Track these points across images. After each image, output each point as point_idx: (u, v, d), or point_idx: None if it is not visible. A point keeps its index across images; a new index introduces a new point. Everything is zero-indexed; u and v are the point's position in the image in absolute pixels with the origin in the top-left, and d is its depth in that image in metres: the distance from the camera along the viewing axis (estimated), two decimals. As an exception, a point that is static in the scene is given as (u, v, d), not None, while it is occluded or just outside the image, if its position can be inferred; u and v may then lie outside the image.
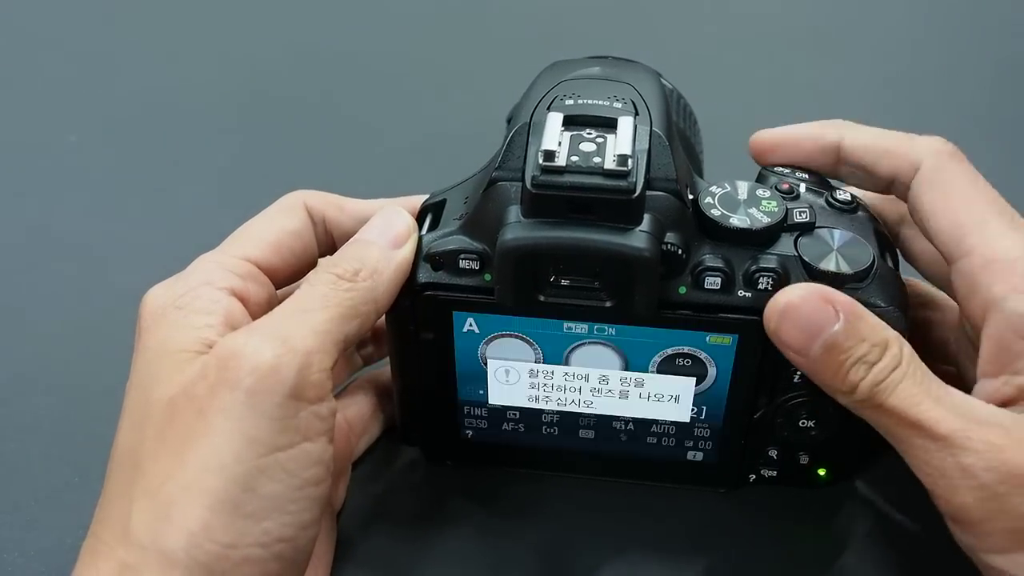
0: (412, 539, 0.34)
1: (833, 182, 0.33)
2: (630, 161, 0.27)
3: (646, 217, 0.27)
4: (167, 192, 0.48)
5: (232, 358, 0.26)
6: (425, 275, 0.30)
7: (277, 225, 0.32)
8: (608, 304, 0.28)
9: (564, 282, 0.28)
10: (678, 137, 0.31)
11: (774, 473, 0.34)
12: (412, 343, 0.31)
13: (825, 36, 0.63)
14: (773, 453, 0.33)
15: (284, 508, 0.25)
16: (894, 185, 0.31)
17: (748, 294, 0.29)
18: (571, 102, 0.30)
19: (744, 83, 0.58)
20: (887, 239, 0.31)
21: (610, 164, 0.27)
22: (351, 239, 0.30)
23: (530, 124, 0.29)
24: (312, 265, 0.33)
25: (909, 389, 0.27)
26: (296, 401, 0.26)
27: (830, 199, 0.31)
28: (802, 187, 0.32)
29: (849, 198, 0.31)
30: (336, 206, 0.34)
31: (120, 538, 0.25)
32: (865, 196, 0.34)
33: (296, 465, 0.26)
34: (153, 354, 0.27)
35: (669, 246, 0.28)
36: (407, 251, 0.30)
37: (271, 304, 0.30)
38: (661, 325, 0.30)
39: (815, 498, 0.34)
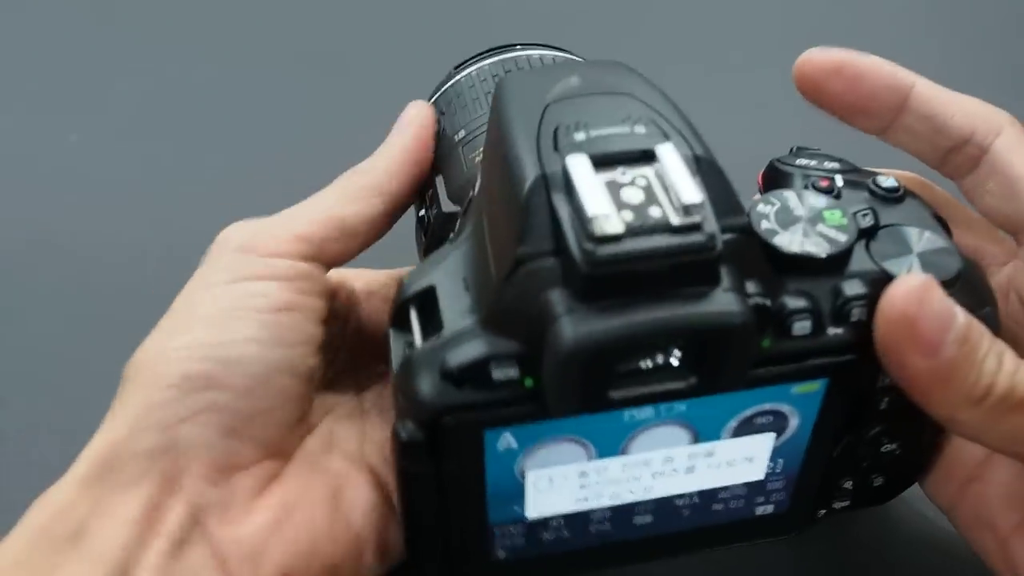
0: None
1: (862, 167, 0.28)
2: (701, 208, 0.21)
3: (724, 271, 0.22)
4: (168, 192, 0.48)
5: (219, 237, 0.28)
6: (444, 395, 0.23)
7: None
8: (692, 381, 0.23)
9: (638, 370, 0.22)
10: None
11: (847, 503, 0.30)
12: (429, 477, 0.24)
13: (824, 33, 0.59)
14: (848, 484, 0.29)
15: (209, 321, 0.26)
16: (966, 145, 0.28)
17: (840, 331, 0.24)
18: (583, 136, 0.23)
19: (729, 81, 0.54)
20: (943, 221, 0.27)
21: (676, 217, 0.21)
22: None
23: (546, 177, 0.22)
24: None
25: None
26: (254, 255, 0.27)
27: (873, 188, 0.27)
28: (839, 180, 0.27)
29: (895, 184, 0.27)
30: None
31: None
32: None
33: (234, 291, 0.27)
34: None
35: (755, 298, 0.22)
36: (406, 133, 0.31)
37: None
38: (743, 387, 0.24)
39: (881, 518, 0.31)
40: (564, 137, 0.23)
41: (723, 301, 0.21)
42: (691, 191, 0.21)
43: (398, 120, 0.32)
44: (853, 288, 0.24)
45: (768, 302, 0.23)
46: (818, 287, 0.24)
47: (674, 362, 0.22)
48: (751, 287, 0.23)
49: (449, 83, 0.35)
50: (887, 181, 0.27)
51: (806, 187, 0.27)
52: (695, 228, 0.21)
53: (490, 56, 0.35)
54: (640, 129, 0.23)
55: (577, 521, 0.27)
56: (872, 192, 0.27)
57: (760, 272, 0.23)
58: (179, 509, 0.25)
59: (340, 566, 0.26)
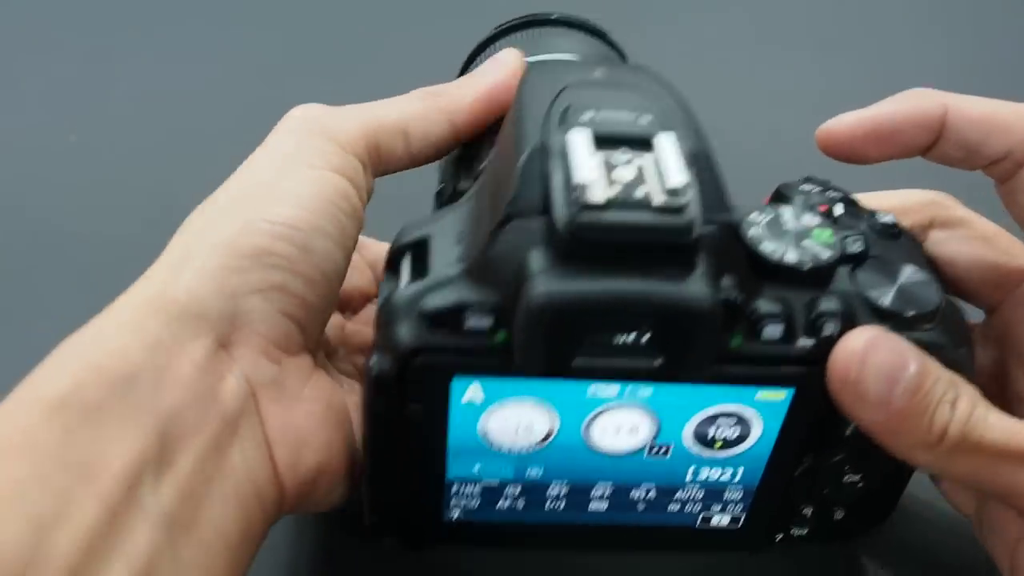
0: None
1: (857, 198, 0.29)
2: (685, 193, 0.22)
3: (701, 258, 0.22)
4: (168, 192, 0.44)
5: (290, 113, 0.29)
6: (417, 336, 0.24)
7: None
8: (657, 363, 0.23)
9: (605, 341, 0.23)
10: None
11: (804, 531, 0.30)
12: (394, 418, 0.25)
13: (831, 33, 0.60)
14: (807, 511, 0.29)
15: (299, 203, 0.26)
16: (999, 164, 0.28)
17: (810, 343, 0.24)
18: (590, 115, 0.24)
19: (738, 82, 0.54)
20: (933, 265, 0.28)
21: (660, 197, 0.22)
22: None
23: (546, 147, 0.23)
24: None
25: (1000, 420, 0.24)
26: (327, 139, 0.27)
27: (871, 223, 0.27)
28: (839, 208, 0.27)
29: (892, 221, 0.27)
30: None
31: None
32: (885, 199, 0.30)
33: (322, 182, 0.27)
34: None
35: (728, 292, 0.23)
36: (496, 75, 0.30)
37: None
38: (708, 382, 0.25)
39: (840, 556, 0.31)
40: (573, 116, 0.24)
41: (694, 286, 0.22)
42: (678, 175, 0.22)
43: (494, 58, 0.31)
44: (829, 304, 0.24)
45: (740, 299, 0.23)
46: (796, 298, 0.24)
47: (642, 341, 0.23)
48: (726, 282, 0.23)
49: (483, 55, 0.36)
50: (885, 218, 0.27)
51: (812, 210, 0.27)
52: (676, 211, 0.22)
53: (529, 28, 0.36)
54: (646, 119, 0.24)
55: (533, 495, 0.28)
56: (870, 226, 0.27)
57: (738, 270, 0.24)
58: (235, 379, 0.24)
59: (347, 472, 0.27)
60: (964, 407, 0.24)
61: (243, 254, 0.25)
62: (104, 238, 0.45)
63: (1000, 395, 0.30)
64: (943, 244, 0.30)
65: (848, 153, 0.29)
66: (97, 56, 0.56)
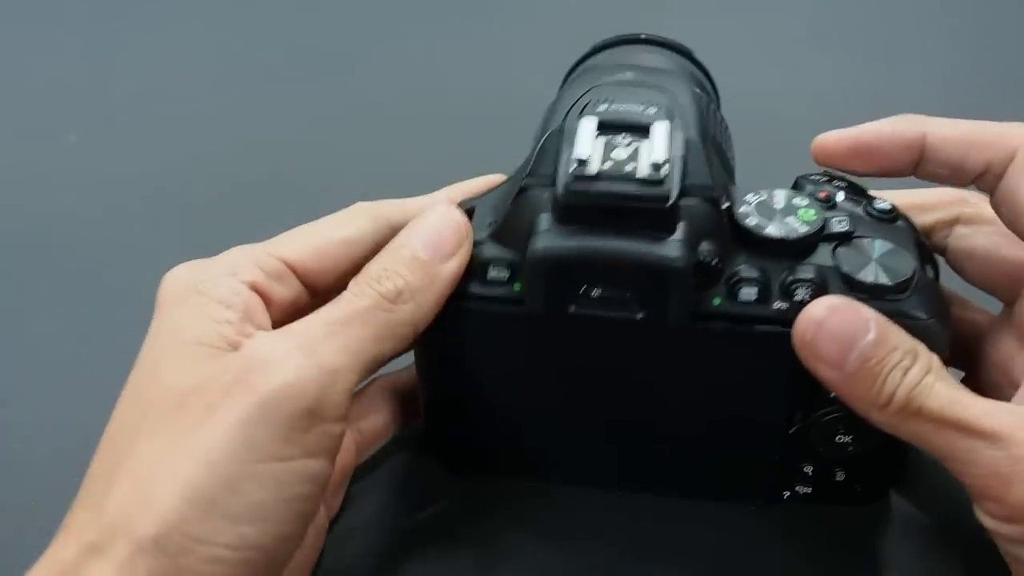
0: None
1: (871, 191, 0.32)
2: (664, 168, 0.26)
3: (680, 225, 0.27)
4: (168, 193, 0.48)
5: (257, 365, 0.26)
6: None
7: (326, 231, 0.31)
8: (640, 316, 0.28)
9: (595, 293, 0.28)
10: (712, 144, 0.30)
11: (809, 490, 0.33)
12: (439, 353, 0.31)
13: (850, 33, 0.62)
14: (808, 469, 0.32)
15: (266, 516, 0.25)
16: (983, 177, 0.30)
17: (784, 305, 0.28)
18: (604, 107, 0.29)
19: (770, 84, 0.56)
20: (927, 250, 0.30)
21: (644, 171, 0.26)
22: (394, 243, 0.29)
23: (562, 130, 0.28)
24: None
25: (946, 390, 0.26)
26: (310, 418, 0.25)
27: (868, 209, 0.30)
28: (840, 195, 0.31)
29: (888, 207, 0.30)
30: (399, 209, 0.32)
31: (94, 516, 0.25)
32: (917, 195, 0.33)
33: (291, 478, 0.25)
34: (168, 339, 0.27)
35: (704, 255, 0.27)
36: (455, 265, 0.29)
37: (295, 307, 0.30)
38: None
39: (849, 517, 0.33)
40: (590, 108, 0.29)
41: (669, 247, 0.27)
42: (661, 153, 0.27)
43: (442, 239, 0.29)
44: (804, 272, 0.28)
45: (716, 261, 0.27)
46: (773, 267, 0.28)
47: (625, 294, 0.28)
48: (705, 246, 0.27)
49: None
50: (882, 204, 0.30)
51: (809, 195, 0.31)
52: (656, 183, 0.26)
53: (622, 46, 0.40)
54: (651, 111, 0.29)
55: (558, 430, 0.32)
56: (867, 211, 0.30)
57: (719, 239, 0.28)
58: None
59: None
60: (914, 374, 0.26)
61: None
62: (104, 238, 0.45)
63: (1011, 384, 0.32)
64: (965, 239, 0.33)
65: (839, 163, 0.32)
66: (97, 56, 0.57)
